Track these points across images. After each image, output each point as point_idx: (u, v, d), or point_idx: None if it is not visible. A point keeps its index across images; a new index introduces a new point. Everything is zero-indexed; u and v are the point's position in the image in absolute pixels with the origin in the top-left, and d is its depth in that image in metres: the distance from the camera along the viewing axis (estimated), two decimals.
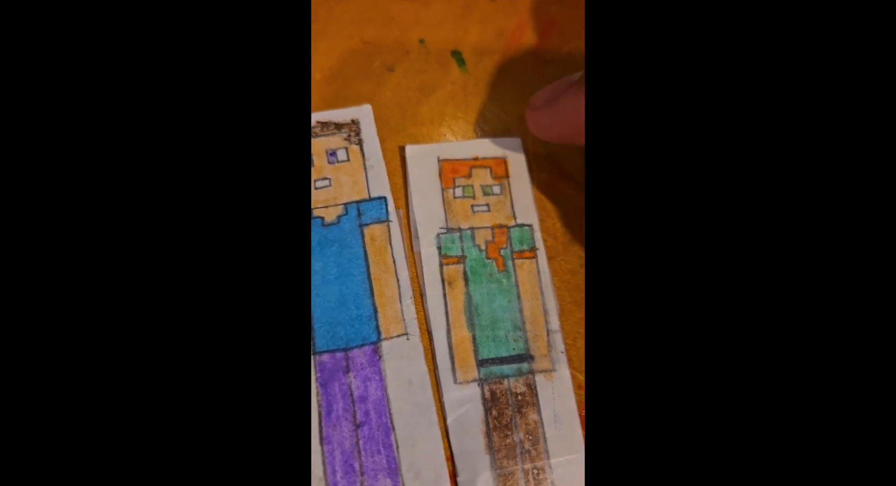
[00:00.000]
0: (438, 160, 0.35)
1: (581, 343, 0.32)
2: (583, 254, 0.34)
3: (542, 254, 0.33)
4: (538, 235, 0.34)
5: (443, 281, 0.32)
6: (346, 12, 0.38)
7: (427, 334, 0.31)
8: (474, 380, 0.31)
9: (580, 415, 0.31)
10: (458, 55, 0.38)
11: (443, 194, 0.34)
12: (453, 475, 0.30)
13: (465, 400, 0.31)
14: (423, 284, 0.32)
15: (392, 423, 0.30)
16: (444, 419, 0.30)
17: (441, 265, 0.33)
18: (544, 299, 0.33)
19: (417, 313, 0.32)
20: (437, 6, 0.39)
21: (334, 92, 0.36)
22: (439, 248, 0.33)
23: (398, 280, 0.32)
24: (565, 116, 0.29)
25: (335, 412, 0.30)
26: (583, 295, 0.33)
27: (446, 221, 0.34)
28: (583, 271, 0.33)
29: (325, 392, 0.30)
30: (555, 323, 0.32)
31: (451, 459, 0.30)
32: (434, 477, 0.29)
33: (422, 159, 0.35)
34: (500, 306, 0.32)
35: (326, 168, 0.34)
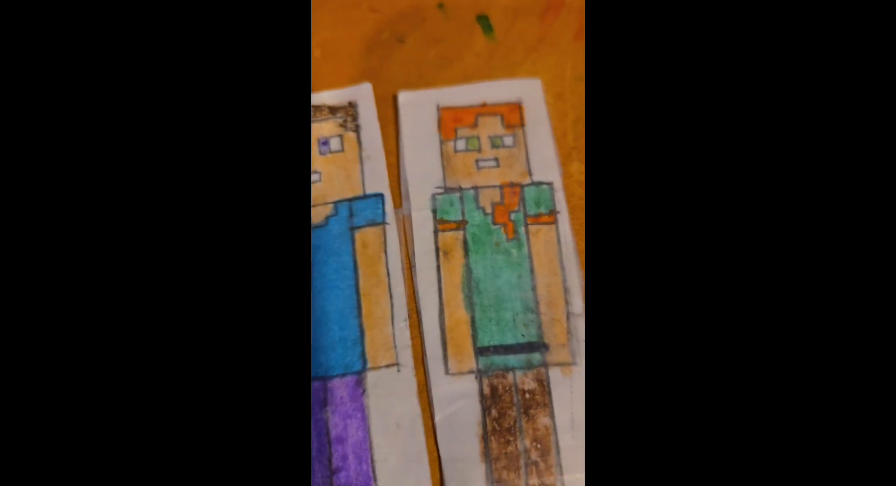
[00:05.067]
0: (438, 108, 0.30)
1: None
2: None
3: (563, 218, 0.28)
4: (560, 196, 0.28)
5: (437, 251, 0.27)
6: None
7: (422, 364, 0.26)
8: (471, 371, 0.26)
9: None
10: (484, 20, 0.32)
11: (441, 148, 0.29)
12: None
13: (457, 396, 0.26)
14: (413, 254, 0.27)
15: (374, 472, 0.25)
16: (432, 418, 0.25)
17: (436, 232, 0.28)
18: (565, 275, 0.27)
19: (412, 338, 0.26)
20: None
21: (335, 70, 0.31)
22: (434, 211, 0.28)
23: (391, 297, 0.27)
24: None
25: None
26: None
27: (444, 179, 0.29)
28: None
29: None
30: (578, 305, 0.26)
31: (438, 465, 0.25)
32: None
33: (418, 108, 0.30)
34: (507, 282, 0.27)
35: (317, 159, 0.29)
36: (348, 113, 0.30)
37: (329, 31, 0.32)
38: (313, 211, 0.28)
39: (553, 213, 0.28)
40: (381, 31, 0.32)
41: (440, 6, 0.32)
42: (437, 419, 0.25)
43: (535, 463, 0.24)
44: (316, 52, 0.32)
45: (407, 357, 0.26)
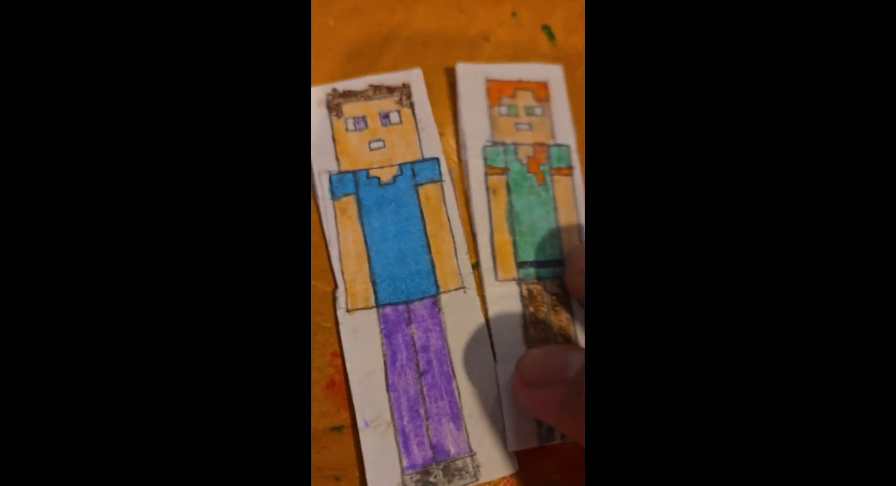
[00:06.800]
0: (486, 80, 0.37)
1: None
2: None
3: (577, 173, 0.36)
4: (574, 156, 0.36)
5: (487, 189, 0.35)
6: None
7: (478, 278, 0.34)
8: (513, 279, 0.34)
9: None
10: (547, 30, 0.40)
11: (489, 111, 0.37)
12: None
13: (505, 296, 0.33)
14: (469, 190, 0.35)
15: (453, 371, 0.32)
16: (486, 313, 0.33)
17: (486, 175, 0.36)
18: (578, 213, 0.35)
19: (473, 268, 0.34)
20: None
21: (434, 55, 0.39)
22: (485, 159, 0.36)
23: (453, 237, 0.34)
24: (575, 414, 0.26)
25: (399, 361, 0.32)
26: None
27: (492, 135, 0.36)
28: None
29: (388, 343, 0.32)
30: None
31: (492, 347, 0.32)
32: (492, 421, 0.31)
33: (471, 77, 0.37)
34: (538, 215, 0.35)
35: (380, 130, 0.36)
36: (403, 92, 0.37)
37: (425, 23, 0.39)
38: (382, 172, 0.35)
39: (570, 168, 0.36)
40: (469, 29, 0.40)
41: (513, 14, 0.40)
42: (491, 313, 0.33)
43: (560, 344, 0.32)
44: (416, 40, 0.39)
45: (470, 281, 0.33)
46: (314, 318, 0.33)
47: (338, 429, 0.31)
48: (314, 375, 0.32)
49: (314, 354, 0.32)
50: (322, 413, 0.31)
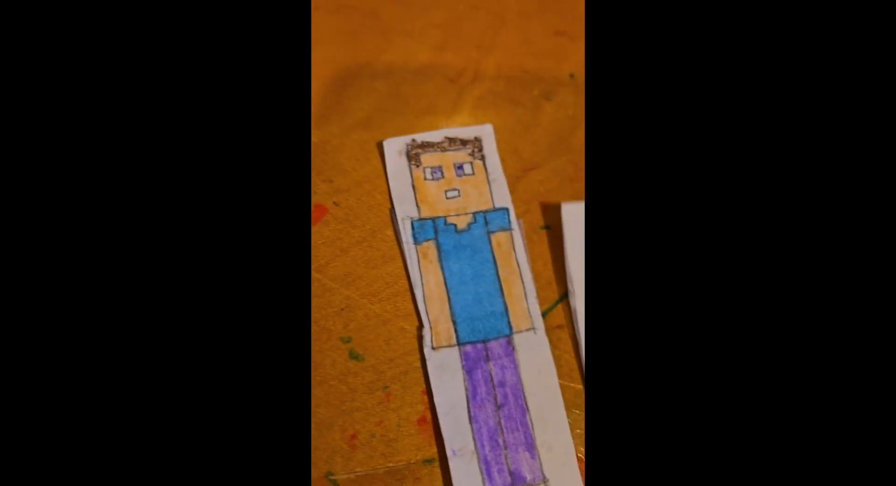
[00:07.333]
0: None
1: None
2: None
3: None
4: None
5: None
6: (508, 39, 0.44)
7: (571, 327, 0.37)
8: None
9: None
10: None
11: None
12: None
13: None
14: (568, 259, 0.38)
15: (527, 404, 0.35)
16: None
17: None
18: None
19: (541, 309, 0.37)
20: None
21: (492, 106, 0.42)
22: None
23: (523, 282, 0.37)
24: None
25: (479, 395, 0.35)
26: None
27: None
28: None
29: (469, 378, 0.35)
30: None
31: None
32: (563, 451, 0.34)
33: None
34: None
35: (455, 180, 0.40)
36: (475, 145, 0.40)
37: (493, 83, 0.42)
38: (458, 219, 0.38)
39: None
40: (534, 88, 0.43)
41: (571, 76, 0.43)
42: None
43: None
44: (488, 98, 0.42)
45: (539, 323, 0.36)
46: (406, 358, 0.36)
47: (429, 462, 0.34)
48: (407, 411, 0.35)
49: (406, 392, 0.35)
50: (415, 447, 0.34)
